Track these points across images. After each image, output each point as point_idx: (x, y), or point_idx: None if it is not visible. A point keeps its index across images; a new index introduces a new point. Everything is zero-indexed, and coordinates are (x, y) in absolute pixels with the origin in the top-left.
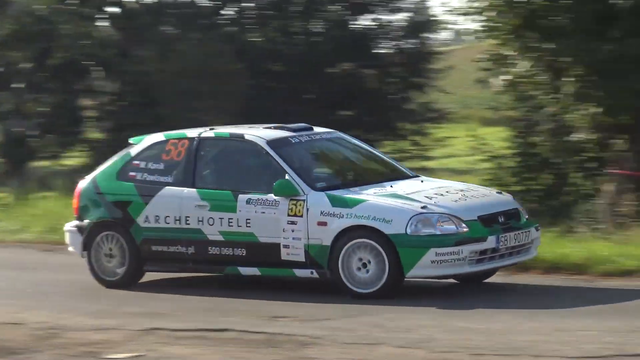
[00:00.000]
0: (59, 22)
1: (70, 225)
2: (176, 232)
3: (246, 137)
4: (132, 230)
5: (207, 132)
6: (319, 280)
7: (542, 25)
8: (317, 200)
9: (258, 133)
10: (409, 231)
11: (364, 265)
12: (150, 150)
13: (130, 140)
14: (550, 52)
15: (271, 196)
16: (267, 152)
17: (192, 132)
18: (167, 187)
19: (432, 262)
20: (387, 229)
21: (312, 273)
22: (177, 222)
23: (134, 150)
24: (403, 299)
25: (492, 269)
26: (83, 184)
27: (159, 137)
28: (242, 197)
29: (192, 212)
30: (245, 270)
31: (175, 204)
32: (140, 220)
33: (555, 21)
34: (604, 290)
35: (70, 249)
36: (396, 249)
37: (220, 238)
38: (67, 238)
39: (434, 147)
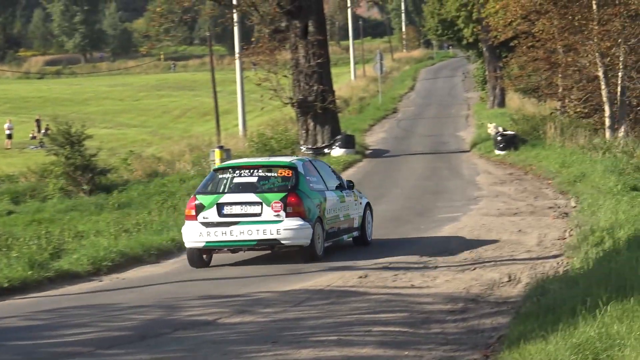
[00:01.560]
0: None
1: (297, 223)
2: (333, 219)
3: (321, 158)
4: (323, 221)
5: (304, 156)
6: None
7: None
8: (355, 192)
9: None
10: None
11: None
12: (306, 170)
13: (278, 163)
14: None
15: (348, 191)
16: (331, 168)
17: (299, 156)
18: (326, 192)
19: None
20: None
21: (355, 233)
22: (333, 212)
23: (300, 170)
24: None
25: None
26: (298, 196)
27: (300, 160)
28: (344, 192)
29: (337, 205)
30: (345, 238)
31: (334, 201)
32: (325, 214)
33: None
34: None
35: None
36: (371, 210)
37: (343, 219)
38: (298, 233)
39: None
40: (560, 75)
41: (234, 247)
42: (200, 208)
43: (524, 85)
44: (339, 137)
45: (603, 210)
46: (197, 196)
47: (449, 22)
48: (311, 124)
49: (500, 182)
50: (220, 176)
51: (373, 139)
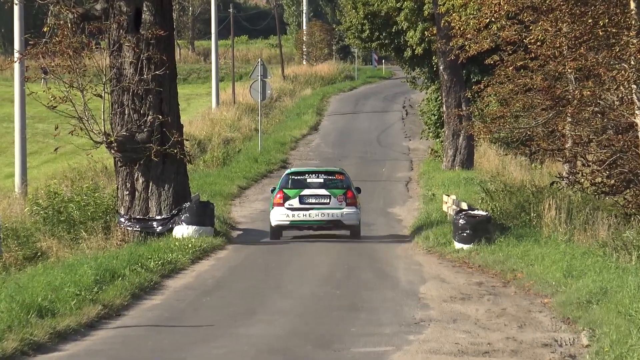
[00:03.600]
0: None
1: (353, 210)
2: None
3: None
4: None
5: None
6: None
7: None
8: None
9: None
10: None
11: None
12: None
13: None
14: None
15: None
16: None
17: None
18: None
19: None
20: None
21: None
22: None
23: (347, 175)
24: None
25: None
26: (353, 192)
27: (342, 169)
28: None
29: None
30: None
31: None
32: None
33: None
34: None
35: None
36: None
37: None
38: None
39: None
40: (569, 120)
41: (310, 225)
42: (286, 198)
43: (506, 132)
44: (187, 205)
45: (637, 354)
46: (283, 190)
47: (382, 19)
48: (140, 181)
49: (461, 296)
50: (296, 178)
51: (245, 211)
